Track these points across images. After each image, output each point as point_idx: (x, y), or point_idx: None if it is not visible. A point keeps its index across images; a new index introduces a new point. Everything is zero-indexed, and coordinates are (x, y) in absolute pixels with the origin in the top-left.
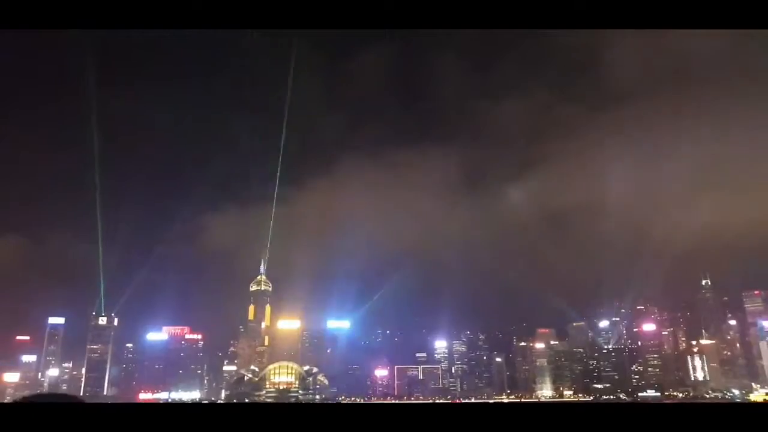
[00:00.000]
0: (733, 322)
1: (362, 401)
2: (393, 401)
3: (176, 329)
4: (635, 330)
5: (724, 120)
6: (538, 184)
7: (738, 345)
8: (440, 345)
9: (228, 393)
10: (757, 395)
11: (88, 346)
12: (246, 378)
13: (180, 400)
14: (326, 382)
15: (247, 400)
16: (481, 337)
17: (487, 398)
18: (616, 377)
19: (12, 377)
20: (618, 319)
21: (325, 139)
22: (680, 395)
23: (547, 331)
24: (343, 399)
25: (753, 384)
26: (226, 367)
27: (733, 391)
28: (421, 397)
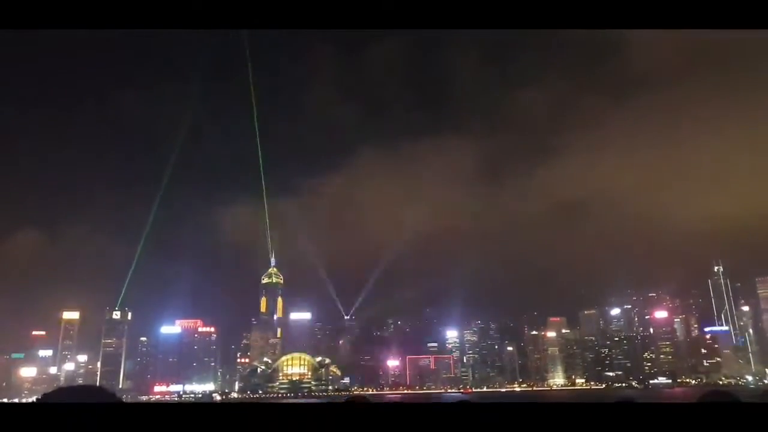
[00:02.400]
0: (746, 308)
1: (373, 392)
2: (401, 394)
3: (189, 322)
4: (647, 317)
5: (738, 106)
6: (550, 173)
7: (751, 331)
8: (451, 334)
9: (241, 385)
10: None
11: (103, 341)
12: (259, 370)
13: (193, 393)
14: (339, 372)
15: (260, 392)
16: (493, 326)
17: (499, 387)
18: (628, 365)
19: (29, 372)
20: (629, 306)
21: (343, 131)
22: (693, 382)
23: (558, 319)
24: (355, 390)
25: (767, 370)
26: (239, 360)
27: (747, 377)
28: (432, 387)
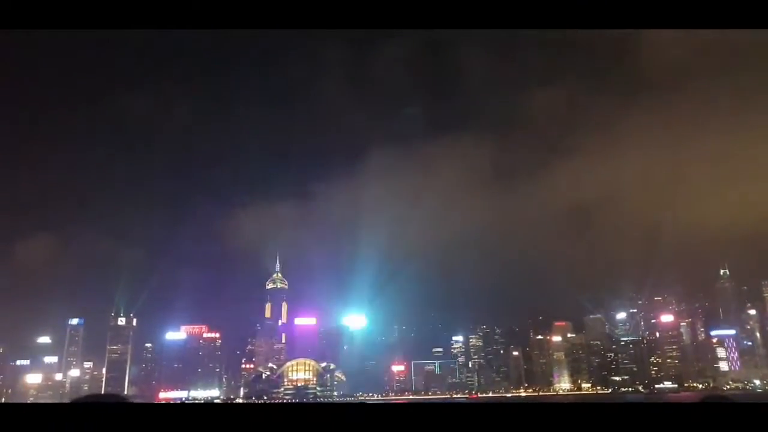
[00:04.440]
0: (752, 312)
1: (378, 398)
2: (406, 400)
3: (194, 328)
4: (653, 321)
5: (744, 109)
6: (556, 177)
7: (758, 335)
8: (457, 339)
9: (246, 391)
10: None
11: (108, 347)
12: (264, 375)
13: (195, 399)
14: (344, 378)
15: (265, 398)
16: (498, 331)
17: (505, 392)
18: (634, 369)
19: (34, 378)
20: (635, 310)
21: (351, 133)
22: (700, 386)
23: (563, 324)
24: (361, 395)
25: None
26: (244, 365)
27: (754, 381)
28: (438, 392)
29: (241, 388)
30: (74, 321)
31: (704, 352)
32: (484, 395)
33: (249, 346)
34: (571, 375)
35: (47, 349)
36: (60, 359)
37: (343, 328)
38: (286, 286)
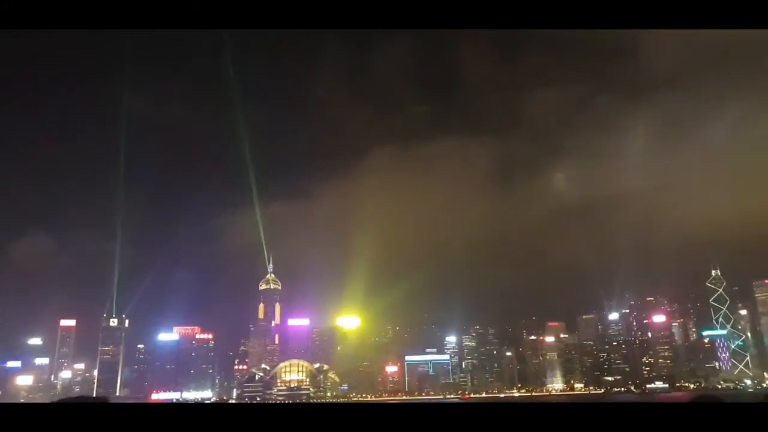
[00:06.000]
0: (743, 312)
1: (372, 398)
2: (400, 400)
3: (187, 329)
4: (645, 321)
5: (735, 109)
6: (550, 178)
7: (749, 335)
8: (450, 340)
9: (239, 392)
10: None
11: (100, 348)
12: (257, 377)
13: (186, 399)
14: (337, 379)
15: (258, 399)
16: (491, 331)
17: (498, 393)
18: (627, 369)
19: (25, 380)
20: (628, 311)
21: (348, 133)
22: (692, 386)
23: (556, 324)
24: (354, 396)
25: (765, 374)
26: (237, 366)
27: (745, 381)
28: (431, 393)
29: (234, 390)
30: (66, 322)
31: (696, 353)
32: (477, 395)
33: (242, 347)
34: (564, 375)
35: (38, 351)
36: (51, 361)
37: (336, 328)
38: (280, 287)
